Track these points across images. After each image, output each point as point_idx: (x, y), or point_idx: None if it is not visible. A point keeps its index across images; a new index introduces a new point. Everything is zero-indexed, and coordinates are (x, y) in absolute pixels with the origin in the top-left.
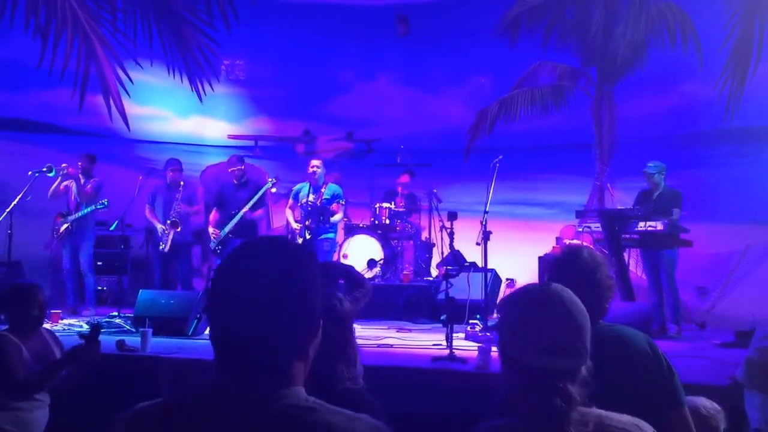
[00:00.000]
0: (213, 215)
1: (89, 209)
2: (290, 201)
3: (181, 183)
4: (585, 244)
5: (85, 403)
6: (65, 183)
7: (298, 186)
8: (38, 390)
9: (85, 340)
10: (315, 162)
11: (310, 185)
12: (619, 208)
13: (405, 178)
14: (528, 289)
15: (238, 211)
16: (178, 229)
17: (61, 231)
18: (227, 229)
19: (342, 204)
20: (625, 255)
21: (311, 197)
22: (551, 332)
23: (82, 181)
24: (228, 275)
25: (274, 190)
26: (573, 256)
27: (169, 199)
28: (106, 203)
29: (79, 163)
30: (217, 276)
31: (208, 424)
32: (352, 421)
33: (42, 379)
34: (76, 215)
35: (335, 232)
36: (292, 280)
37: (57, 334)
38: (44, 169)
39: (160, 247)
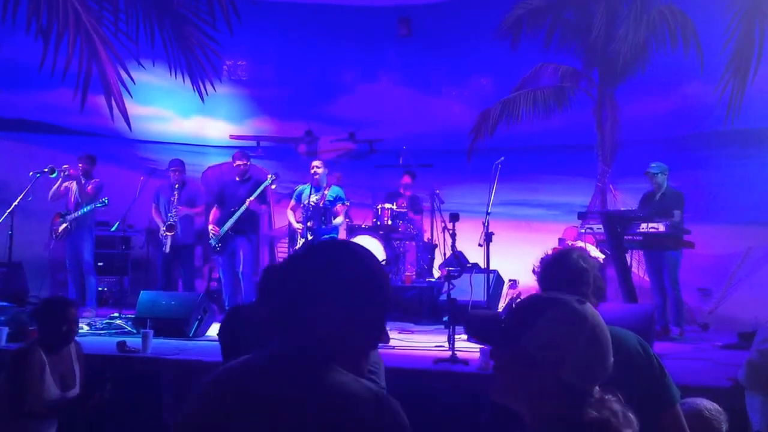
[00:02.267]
0: (213, 213)
1: (89, 208)
2: (292, 202)
3: (176, 186)
4: (586, 245)
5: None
6: (65, 184)
7: (300, 187)
8: (39, 418)
9: (93, 396)
10: (316, 163)
11: (312, 186)
12: (621, 209)
13: (406, 179)
14: (579, 312)
15: (239, 208)
16: (172, 233)
17: (59, 231)
18: (227, 226)
19: (346, 205)
20: (628, 256)
21: (314, 198)
22: (611, 359)
23: (83, 182)
24: (306, 270)
25: (273, 186)
26: (563, 259)
27: (170, 199)
28: (106, 201)
29: (80, 165)
30: (284, 274)
31: (257, 383)
32: (376, 390)
33: (43, 415)
34: (75, 214)
35: (338, 233)
36: (362, 279)
37: None
38: (46, 170)
39: (162, 249)
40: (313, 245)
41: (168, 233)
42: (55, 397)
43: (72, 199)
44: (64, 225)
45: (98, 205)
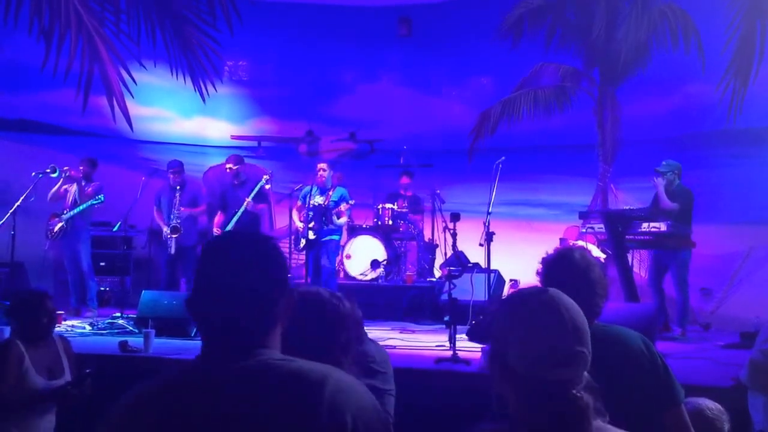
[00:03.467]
0: (218, 218)
1: (85, 205)
2: (298, 203)
3: (177, 188)
4: (588, 245)
5: (88, 405)
6: (65, 186)
7: (306, 188)
8: (17, 411)
9: (71, 386)
10: (322, 165)
11: (316, 187)
12: (625, 208)
13: (405, 180)
14: (526, 296)
15: (238, 210)
16: (177, 235)
17: (55, 230)
18: (228, 228)
19: (350, 204)
20: (629, 256)
21: (318, 199)
22: (564, 343)
23: (83, 184)
24: (210, 263)
25: (268, 186)
26: (565, 258)
27: (172, 201)
28: (101, 198)
29: (81, 167)
30: (201, 264)
31: (197, 390)
32: (328, 370)
33: (23, 405)
34: (71, 213)
35: (340, 234)
36: (261, 263)
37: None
38: (47, 170)
39: (167, 250)
40: (220, 238)
41: (173, 235)
42: (44, 387)
43: (70, 201)
44: (60, 224)
45: (94, 202)
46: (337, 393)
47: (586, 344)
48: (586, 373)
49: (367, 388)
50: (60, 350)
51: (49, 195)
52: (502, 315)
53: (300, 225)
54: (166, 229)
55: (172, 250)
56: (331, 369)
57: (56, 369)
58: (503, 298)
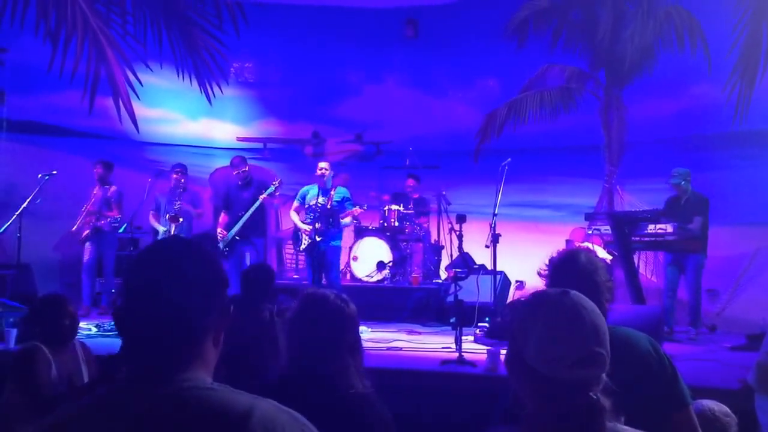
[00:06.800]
0: (222, 217)
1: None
2: (296, 203)
3: (179, 190)
4: (594, 246)
5: None
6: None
7: (305, 188)
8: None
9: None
10: (323, 164)
11: (318, 188)
12: (635, 209)
13: (410, 182)
14: (548, 296)
15: (245, 213)
16: (180, 221)
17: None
18: (234, 230)
19: (363, 209)
20: (635, 257)
21: (321, 200)
22: (583, 344)
23: (100, 190)
24: (136, 271)
25: (277, 193)
26: (570, 260)
27: (172, 200)
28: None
29: (96, 170)
30: (128, 273)
31: (113, 414)
32: (253, 402)
33: (42, 413)
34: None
35: (341, 236)
36: (188, 271)
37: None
38: (54, 173)
39: None
40: (155, 245)
41: (172, 223)
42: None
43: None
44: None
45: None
46: (262, 428)
47: (604, 346)
48: (604, 375)
49: (302, 418)
50: (80, 357)
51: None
52: (523, 314)
53: (306, 228)
54: (162, 228)
55: None
56: (258, 400)
57: (76, 377)
58: (524, 299)
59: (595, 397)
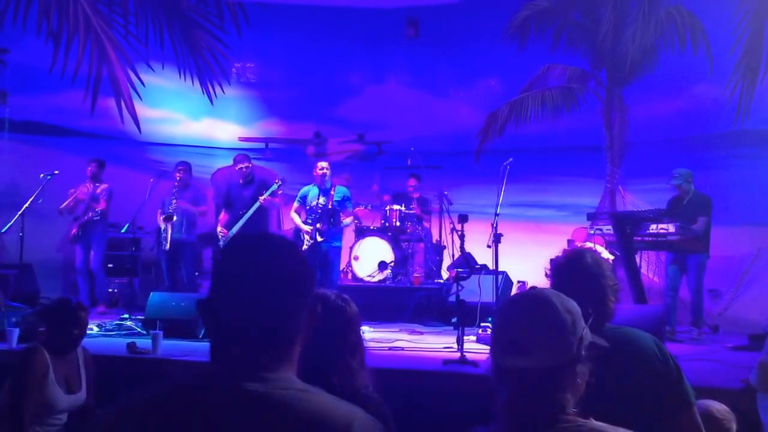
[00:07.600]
0: (222, 216)
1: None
2: (296, 204)
3: (178, 185)
4: (596, 246)
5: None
6: (74, 196)
7: (304, 189)
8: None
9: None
10: (322, 164)
11: (318, 188)
12: (637, 209)
13: (412, 182)
14: (519, 294)
15: (246, 211)
16: (174, 220)
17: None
18: (235, 228)
19: (368, 209)
20: (637, 257)
21: (321, 200)
22: (512, 331)
23: (91, 185)
24: (230, 263)
25: (280, 192)
26: (576, 260)
27: (171, 199)
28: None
29: (89, 168)
30: (221, 264)
31: (196, 409)
32: (352, 411)
33: (38, 417)
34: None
35: (341, 236)
36: (284, 271)
37: None
38: (56, 173)
39: (162, 246)
40: (248, 239)
41: (166, 222)
42: (61, 400)
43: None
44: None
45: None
46: None
47: (549, 338)
48: (578, 376)
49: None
50: (80, 362)
51: (61, 207)
52: (495, 313)
53: (308, 228)
54: (163, 226)
55: (167, 246)
56: (354, 409)
57: (74, 382)
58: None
59: (549, 392)
